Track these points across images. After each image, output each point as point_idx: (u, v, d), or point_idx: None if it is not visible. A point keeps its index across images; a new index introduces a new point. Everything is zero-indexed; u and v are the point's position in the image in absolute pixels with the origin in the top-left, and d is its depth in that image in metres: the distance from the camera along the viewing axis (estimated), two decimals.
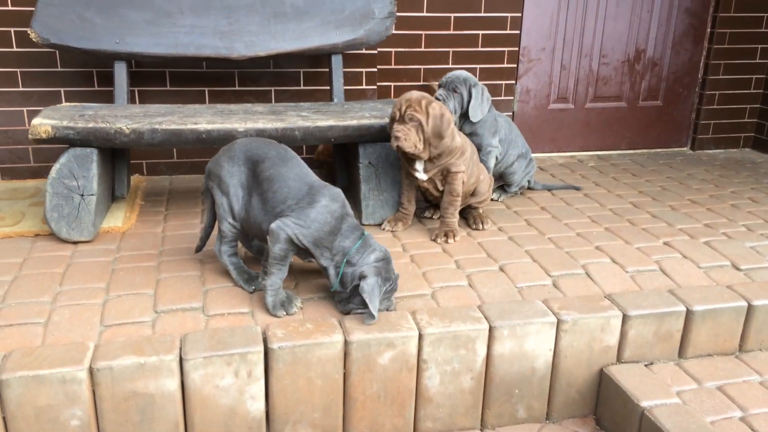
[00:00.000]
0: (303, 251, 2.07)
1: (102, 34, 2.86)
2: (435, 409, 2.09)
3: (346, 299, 2.05)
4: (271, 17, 3.02)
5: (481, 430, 2.15)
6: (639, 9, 4.00)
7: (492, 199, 3.15)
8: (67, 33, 2.83)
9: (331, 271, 2.05)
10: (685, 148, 4.35)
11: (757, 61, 4.18)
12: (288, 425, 1.98)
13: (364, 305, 1.99)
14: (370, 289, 1.96)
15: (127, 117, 2.57)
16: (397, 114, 2.51)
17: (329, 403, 1.98)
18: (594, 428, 2.17)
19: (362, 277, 1.98)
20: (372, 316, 1.96)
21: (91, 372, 1.78)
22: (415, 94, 2.54)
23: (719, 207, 3.16)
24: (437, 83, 3.04)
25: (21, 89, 3.19)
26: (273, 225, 2.03)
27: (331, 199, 2.06)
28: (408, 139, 2.50)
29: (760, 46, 4.15)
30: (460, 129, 3.01)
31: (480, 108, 2.96)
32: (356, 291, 2.00)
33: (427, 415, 2.09)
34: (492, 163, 3.03)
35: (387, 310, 2.09)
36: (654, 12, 4.02)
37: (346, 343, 1.94)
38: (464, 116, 3.00)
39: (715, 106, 4.23)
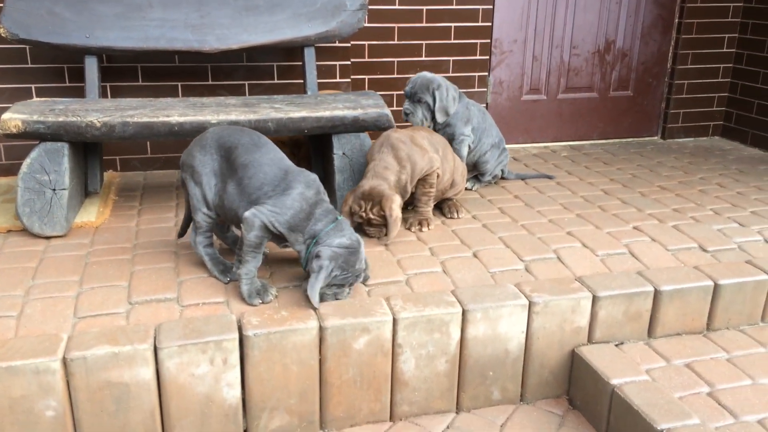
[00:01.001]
0: (277, 237, 2.08)
1: (72, 28, 2.85)
2: (411, 392, 2.11)
3: (306, 279, 2.06)
4: (243, 10, 3.02)
5: (456, 412, 2.18)
6: (608, 1, 4.06)
7: (466, 189, 3.18)
8: (36, 28, 2.81)
9: (303, 254, 2.07)
10: (655, 137, 4.42)
11: (725, 50, 4.27)
12: (265, 412, 1.99)
13: (331, 285, 2.02)
14: (317, 269, 1.98)
15: (98, 111, 2.56)
16: (363, 220, 2.54)
17: (305, 389, 2.00)
18: (567, 408, 2.22)
19: (317, 256, 2.00)
20: (310, 300, 1.97)
21: (65, 362, 1.78)
22: (368, 189, 2.50)
23: (688, 192, 3.22)
24: (405, 91, 3.07)
25: None
26: (247, 213, 2.03)
27: (306, 186, 2.07)
28: (380, 234, 2.55)
29: (726, 35, 4.23)
30: (433, 126, 3.06)
31: (444, 110, 3.02)
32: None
33: (404, 399, 2.11)
34: (465, 151, 3.06)
35: (335, 298, 2.07)
36: (623, 2, 4.09)
37: (321, 329, 1.96)
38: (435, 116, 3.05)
39: (684, 96, 4.31)
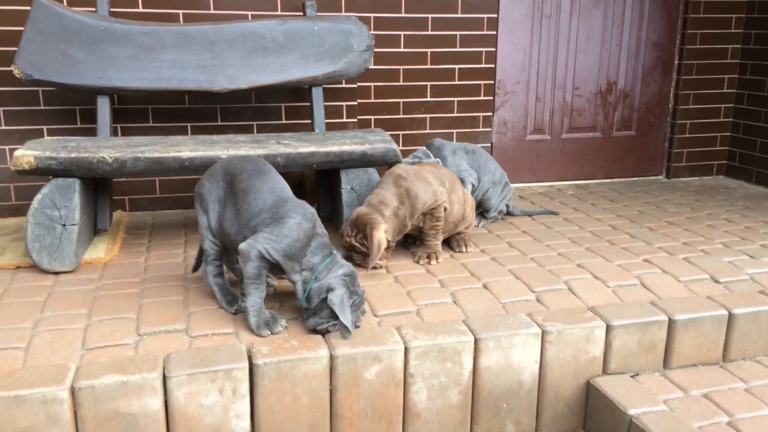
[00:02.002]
0: (275, 267, 2.06)
1: (85, 69, 2.91)
2: (423, 425, 2.06)
3: (313, 314, 2.04)
4: (252, 51, 3.09)
5: None
6: (608, 43, 4.15)
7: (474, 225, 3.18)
8: (50, 69, 2.87)
9: (299, 286, 2.05)
10: (660, 176, 4.44)
11: (725, 90, 4.33)
12: None
13: (333, 317, 1.99)
14: (339, 300, 1.96)
15: (109, 147, 2.60)
16: (348, 245, 2.57)
17: (316, 420, 1.96)
18: None
19: (330, 289, 1.99)
20: (346, 328, 1.96)
21: (73, 392, 1.75)
22: (355, 218, 2.54)
23: (696, 227, 3.22)
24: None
25: (3, 127, 3.21)
26: (243, 245, 2.03)
27: (303, 218, 2.07)
28: (365, 263, 2.56)
29: (726, 76, 4.30)
30: None
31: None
32: (324, 305, 2.00)
33: None
34: (468, 188, 3.08)
35: (355, 326, 2.06)
36: (623, 45, 4.17)
37: (331, 357, 1.93)
38: None
39: (687, 135, 4.35)
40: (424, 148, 3.09)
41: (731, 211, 3.55)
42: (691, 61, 4.23)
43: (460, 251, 2.82)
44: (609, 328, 2.16)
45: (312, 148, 2.70)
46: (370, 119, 3.79)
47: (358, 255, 2.57)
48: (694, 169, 4.42)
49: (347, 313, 1.97)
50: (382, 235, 2.49)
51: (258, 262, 2.03)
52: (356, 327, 2.07)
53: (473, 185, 3.14)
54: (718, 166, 4.46)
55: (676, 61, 4.27)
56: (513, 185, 4.10)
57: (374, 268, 2.59)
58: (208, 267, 2.24)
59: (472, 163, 3.19)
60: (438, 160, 3.01)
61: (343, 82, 3.54)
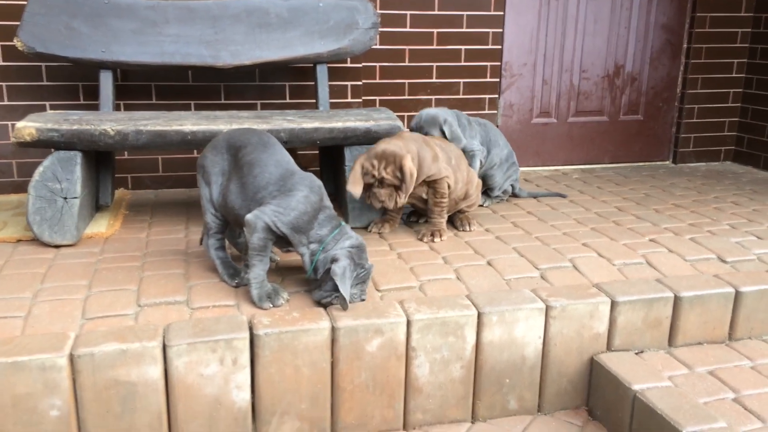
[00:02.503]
0: (281, 239, 2.05)
1: (88, 43, 2.89)
2: (425, 399, 2.05)
3: (318, 286, 2.03)
4: (256, 27, 3.06)
5: (472, 422, 2.11)
6: (617, 26, 4.10)
7: (479, 205, 3.15)
8: (53, 42, 2.85)
9: (306, 258, 2.04)
10: (667, 162, 4.40)
11: (734, 75, 4.28)
12: (275, 417, 1.93)
13: (336, 290, 1.97)
14: (342, 271, 1.94)
15: (112, 120, 2.57)
16: (375, 182, 2.51)
17: (317, 393, 1.94)
18: (587, 419, 2.14)
19: (334, 260, 1.98)
20: (344, 300, 1.94)
21: (72, 359, 1.74)
22: (382, 150, 2.50)
23: (703, 209, 3.18)
24: (408, 128, 3.03)
25: (6, 103, 3.19)
26: (249, 216, 2.01)
27: (310, 190, 2.05)
28: (390, 200, 2.54)
29: (735, 60, 4.25)
30: None
31: (456, 140, 2.97)
32: (328, 276, 1.99)
33: (417, 407, 2.05)
34: (477, 165, 3.05)
35: (360, 299, 2.05)
36: (631, 28, 4.12)
37: (333, 329, 1.91)
38: None
39: (694, 120, 4.30)
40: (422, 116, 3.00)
41: (738, 194, 3.51)
42: (700, 45, 4.18)
43: (463, 230, 2.79)
44: (614, 304, 2.13)
45: (316, 124, 2.68)
46: (375, 100, 3.76)
47: (384, 190, 2.51)
48: (702, 155, 4.38)
49: (347, 285, 1.95)
50: (412, 164, 2.48)
51: (264, 233, 2.01)
52: (362, 300, 2.05)
53: (481, 162, 3.11)
54: (725, 152, 4.42)
55: (685, 45, 4.22)
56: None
57: (379, 234, 2.64)
58: (210, 240, 2.22)
59: (484, 136, 3.15)
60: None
61: (348, 60, 3.51)
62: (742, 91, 4.32)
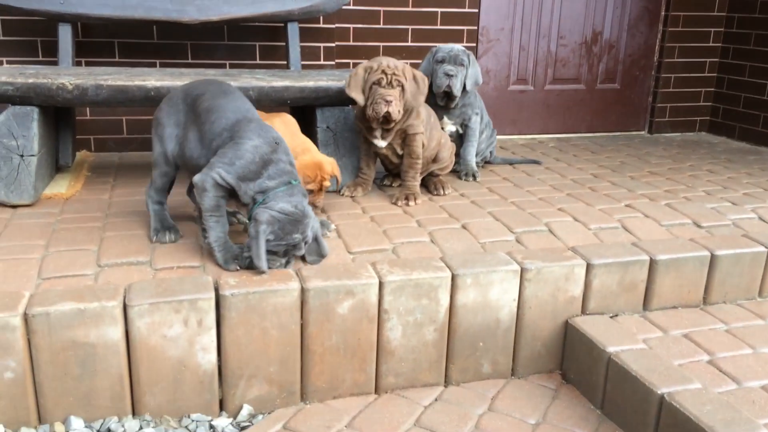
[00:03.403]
0: (234, 196, 1.94)
1: None
2: (397, 363, 2.00)
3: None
4: None
5: (445, 386, 2.07)
6: None
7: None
8: None
9: (250, 208, 1.93)
10: (642, 132, 4.38)
11: (711, 44, 4.25)
12: (242, 380, 1.86)
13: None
14: (254, 234, 1.84)
15: (71, 74, 2.45)
16: (384, 79, 2.43)
17: (286, 356, 1.88)
18: (560, 382, 2.11)
19: (255, 219, 1.87)
20: (259, 265, 1.83)
21: (26, 319, 1.65)
22: (391, 59, 2.49)
23: (678, 177, 3.17)
24: (436, 58, 2.90)
25: None
26: (196, 177, 1.92)
27: (263, 141, 1.93)
28: (397, 103, 2.44)
29: (712, 29, 4.22)
30: (455, 102, 2.97)
31: (476, 77, 2.96)
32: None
33: (390, 370, 2.00)
34: (478, 121, 3.05)
35: (284, 266, 1.93)
36: None
37: (302, 290, 1.84)
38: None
39: (671, 90, 4.28)
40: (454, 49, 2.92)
41: (714, 163, 3.50)
42: (678, 13, 4.14)
43: (437, 194, 2.73)
44: (589, 267, 2.10)
45: (286, 83, 2.58)
46: (349, 63, 3.66)
47: (394, 90, 2.43)
48: (677, 125, 4.37)
49: (260, 249, 1.83)
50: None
51: (214, 191, 1.91)
52: (285, 267, 1.93)
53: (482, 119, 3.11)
54: (701, 122, 4.41)
55: (663, 12, 4.17)
56: None
57: (352, 197, 2.62)
58: (150, 191, 2.14)
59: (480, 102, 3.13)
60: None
61: (321, 20, 3.40)
62: (718, 61, 4.30)
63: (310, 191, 2.31)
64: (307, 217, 1.91)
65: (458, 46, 2.92)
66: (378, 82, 2.43)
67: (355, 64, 3.66)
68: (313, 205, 2.31)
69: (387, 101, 2.42)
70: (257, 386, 1.88)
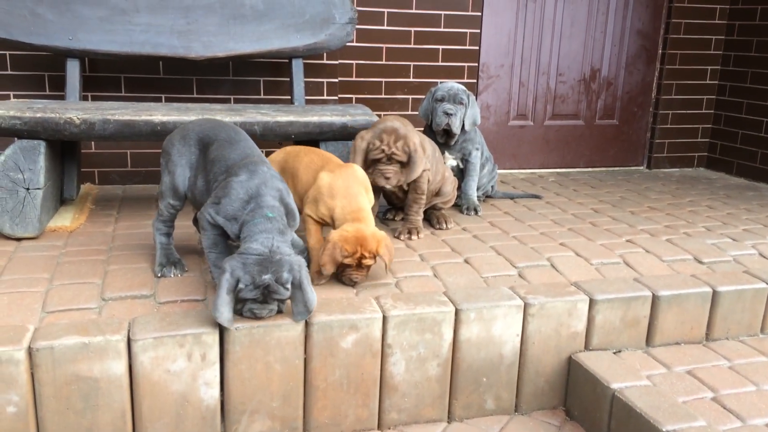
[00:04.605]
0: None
1: (54, 30, 2.79)
2: (400, 398, 1.99)
3: None
4: (230, 18, 2.99)
5: (448, 422, 2.06)
6: (593, 29, 4.11)
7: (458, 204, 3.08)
8: (17, 28, 2.74)
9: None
10: (641, 167, 4.42)
11: (707, 82, 4.32)
12: (245, 415, 1.85)
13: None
14: (218, 279, 1.74)
15: (78, 109, 2.48)
16: (384, 157, 2.46)
17: (289, 391, 1.87)
18: (564, 419, 2.10)
19: (220, 267, 1.75)
20: (214, 316, 1.70)
21: (30, 352, 1.65)
22: (390, 125, 2.48)
23: (678, 212, 3.19)
24: (435, 96, 2.95)
25: None
26: (199, 215, 1.94)
27: (249, 174, 1.86)
28: (396, 177, 2.49)
29: (709, 67, 4.29)
30: (455, 138, 3.01)
31: (474, 118, 3.01)
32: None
33: (393, 406, 1.99)
34: (479, 156, 3.08)
35: (252, 314, 1.77)
36: (607, 33, 4.14)
37: (306, 325, 1.84)
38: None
39: (669, 126, 4.33)
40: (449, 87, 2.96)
41: (713, 199, 3.53)
42: (675, 51, 4.21)
43: (440, 228, 2.75)
44: (592, 303, 2.10)
45: (291, 118, 2.61)
46: (351, 98, 3.71)
47: (393, 166, 2.47)
48: (675, 161, 4.41)
49: (217, 299, 1.70)
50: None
51: (210, 230, 1.91)
52: (256, 315, 1.78)
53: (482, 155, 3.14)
54: (699, 158, 4.46)
55: (660, 51, 4.25)
56: None
57: None
58: (157, 223, 2.15)
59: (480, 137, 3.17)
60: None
61: (325, 57, 3.45)
62: (715, 98, 4.36)
63: (349, 266, 2.08)
64: (279, 255, 1.75)
65: (458, 85, 2.97)
66: (378, 160, 2.47)
67: (358, 100, 3.71)
68: (350, 281, 2.10)
69: (386, 177, 2.48)
70: (260, 422, 1.87)
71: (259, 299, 1.76)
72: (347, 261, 2.04)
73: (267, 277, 1.72)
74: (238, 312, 1.80)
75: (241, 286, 1.72)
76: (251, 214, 1.81)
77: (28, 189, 2.38)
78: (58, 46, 2.80)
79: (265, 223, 1.79)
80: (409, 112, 3.82)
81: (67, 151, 2.78)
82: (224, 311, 1.70)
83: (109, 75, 3.19)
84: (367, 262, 2.05)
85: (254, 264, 1.72)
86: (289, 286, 1.76)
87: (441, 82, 3.04)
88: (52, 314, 1.84)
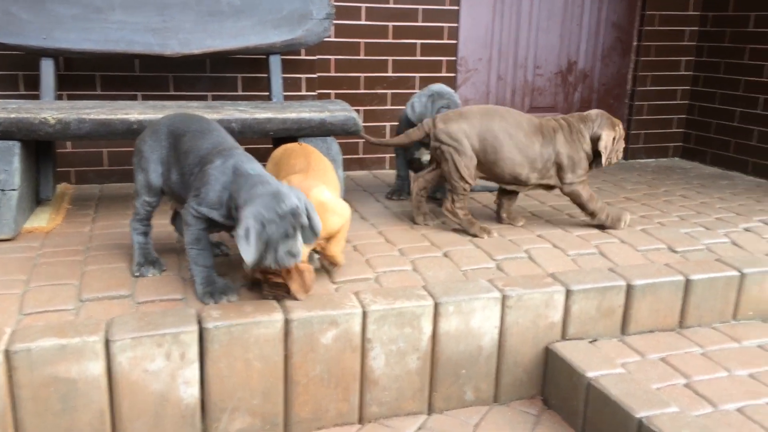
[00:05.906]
0: (214, 223, 1.92)
1: (29, 29, 2.76)
2: (381, 392, 2.01)
3: None
4: (207, 15, 2.98)
5: (428, 414, 2.08)
6: (569, 22, 4.14)
7: (436, 198, 3.12)
8: None
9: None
10: None
11: (682, 72, 4.37)
12: (225, 413, 1.86)
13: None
14: (244, 233, 1.71)
15: (53, 109, 2.46)
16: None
17: (269, 387, 1.88)
18: (542, 408, 2.14)
19: (241, 220, 1.73)
20: (247, 260, 1.71)
21: (7, 355, 1.64)
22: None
23: (653, 202, 3.24)
24: (430, 97, 2.97)
25: None
26: (182, 213, 1.95)
27: (224, 159, 1.87)
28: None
29: (683, 58, 4.35)
30: None
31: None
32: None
33: (373, 399, 2.01)
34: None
35: (291, 254, 1.74)
36: (583, 25, 4.17)
37: (286, 321, 1.86)
38: None
39: (644, 117, 4.38)
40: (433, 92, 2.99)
41: (687, 188, 3.58)
42: (650, 43, 4.25)
43: (425, 224, 2.76)
44: (569, 293, 2.14)
45: (269, 114, 2.61)
46: (330, 93, 3.71)
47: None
48: (651, 151, 4.47)
49: (251, 249, 1.70)
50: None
51: (194, 224, 1.91)
52: (293, 255, 1.75)
53: None
54: (674, 148, 4.51)
55: (635, 42, 4.29)
56: None
57: None
58: (134, 223, 2.14)
59: None
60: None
61: (303, 52, 3.45)
62: (689, 89, 4.42)
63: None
64: (282, 188, 1.78)
65: (450, 89, 3.04)
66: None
67: (337, 95, 3.72)
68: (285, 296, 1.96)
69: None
70: (240, 419, 1.88)
71: (288, 233, 1.73)
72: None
73: (289, 202, 1.73)
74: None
75: (267, 219, 1.70)
76: (237, 182, 1.81)
77: (3, 190, 2.36)
78: (32, 45, 2.77)
79: (254, 178, 1.80)
80: (388, 107, 3.83)
81: (42, 150, 2.75)
82: (253, 256, 1.70)
83: (85, 73, 3.16)
84: (303, 264, 1.92)
85: (270, 200, 1.73)
86: (305, 208, 1.78)
87: (432, 86, 3.04)
88: (29, 316, 1.83)
